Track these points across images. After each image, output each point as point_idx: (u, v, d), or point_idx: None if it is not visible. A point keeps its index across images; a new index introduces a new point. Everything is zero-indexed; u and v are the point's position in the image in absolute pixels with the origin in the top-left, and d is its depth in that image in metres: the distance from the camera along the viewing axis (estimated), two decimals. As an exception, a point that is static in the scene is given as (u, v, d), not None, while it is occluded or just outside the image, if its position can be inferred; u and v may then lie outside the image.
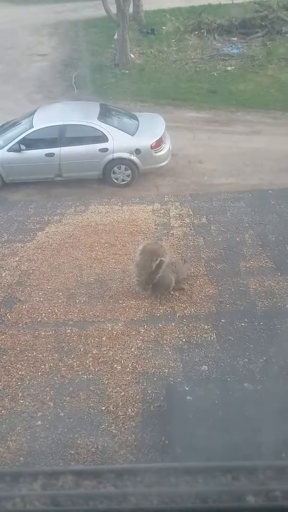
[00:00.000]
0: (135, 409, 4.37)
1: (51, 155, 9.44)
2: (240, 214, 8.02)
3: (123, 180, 9.61)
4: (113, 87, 14.33)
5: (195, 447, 3.73)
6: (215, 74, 14.93)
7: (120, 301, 5.90)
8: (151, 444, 4.02)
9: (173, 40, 17.41)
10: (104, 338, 5.29)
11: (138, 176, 9.57)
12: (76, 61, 16.32)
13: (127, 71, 15.27)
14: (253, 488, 0.81)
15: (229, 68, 15.28)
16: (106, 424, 4.26)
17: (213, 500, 0.81)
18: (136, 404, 4.42)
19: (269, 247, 6.91)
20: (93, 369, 4.88)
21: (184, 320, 5.51)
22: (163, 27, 18.52)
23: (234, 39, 17.13)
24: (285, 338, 5.10)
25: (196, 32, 17.65)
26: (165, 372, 4.78)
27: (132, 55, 15.80)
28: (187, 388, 4.53)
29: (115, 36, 16.03)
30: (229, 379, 4.66)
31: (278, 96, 13.25)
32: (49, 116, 10.09)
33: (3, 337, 5.41)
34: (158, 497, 0.82)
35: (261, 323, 5.38)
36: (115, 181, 9.62)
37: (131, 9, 16.55)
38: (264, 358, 4.86)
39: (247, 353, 4.96)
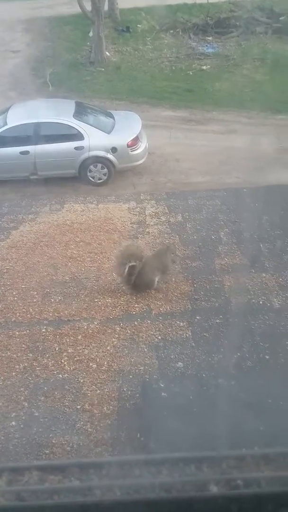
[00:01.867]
0: (111, 407, 4.38)
1: (26, 153, 9.32)
2: (215, 212, 8.09)
3: (99, 179, 9.56)
4: (89, 84, 14.25)
5: (170, 442, 3.76)
6: (191, 73, 15.01)
7: (96, 300, 5.89)
8: (127, 441, 4.03)
9: (149, 39, 17.41)
10: (79, 337, 5.27)
11: (114, 175, 9.54)
12: (50, 58, 16.16)
13: (103, 69, 15.20)
14: (216, 478, 0.83)
15: (204, 67, 15.38)
16: (82, 422, 4.25)
17: (176, 490, 0.82)
18: (112, 402, 4.43)
19: (244, 245, 7.00)
20: (69, 368, 4.86)
21: (160, 318, 5.54)
22: (139, 25, 18.50)
23: (209, 38, 17.24)
24: (259, 334, 5.18)
25: (172, 31, 17.70)
26: (140, 369, 4.80)
27: (107, 53, 15.74)
28: (162, 385, 4.56)
29: (90, 34, 15.94)
30: (204, 375, 4.71)
31: (253, 96, 13.39)
32: (24, 114, 9.96)
33: (-24, 337, 5.34)
34: (122, 489, 0.83)
35: (236, 320, 5.45)
36: (91, 179, 9.55)
37: (106, 7, 16.46)
38: (239, 354, 4.93)
39: (222, 349, 5.03)
